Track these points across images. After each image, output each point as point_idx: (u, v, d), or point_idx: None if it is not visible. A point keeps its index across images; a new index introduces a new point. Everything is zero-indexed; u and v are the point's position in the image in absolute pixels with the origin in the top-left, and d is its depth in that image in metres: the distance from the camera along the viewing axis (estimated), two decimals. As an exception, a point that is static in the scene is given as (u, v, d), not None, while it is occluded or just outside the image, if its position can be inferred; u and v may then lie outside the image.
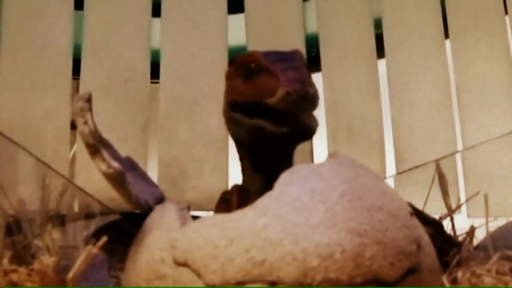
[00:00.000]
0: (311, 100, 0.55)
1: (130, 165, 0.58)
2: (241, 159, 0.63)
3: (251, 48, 1.06)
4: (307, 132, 0.56)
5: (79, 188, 0.83)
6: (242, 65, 0.58)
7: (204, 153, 0.99)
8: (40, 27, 0.99)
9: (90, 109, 0.52)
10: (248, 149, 0.60)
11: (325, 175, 0.48)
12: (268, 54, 0.58)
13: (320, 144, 1.06)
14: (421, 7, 1.08)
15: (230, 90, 0.60)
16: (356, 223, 0.44)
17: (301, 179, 0.48)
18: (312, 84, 0.55)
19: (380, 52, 1.09)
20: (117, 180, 0.51)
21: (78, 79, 0.99)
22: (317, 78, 1.07)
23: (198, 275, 0.44)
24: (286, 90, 0.53)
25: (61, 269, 0.50)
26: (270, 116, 0.55)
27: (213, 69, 1.04)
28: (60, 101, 0.96)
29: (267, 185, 0.50)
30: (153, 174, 0.98)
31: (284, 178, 0.48)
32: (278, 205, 0.45)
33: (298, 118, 0.55)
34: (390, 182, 1.01)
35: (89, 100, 0.52)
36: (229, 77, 0.61)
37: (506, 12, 1.06)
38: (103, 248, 0.51)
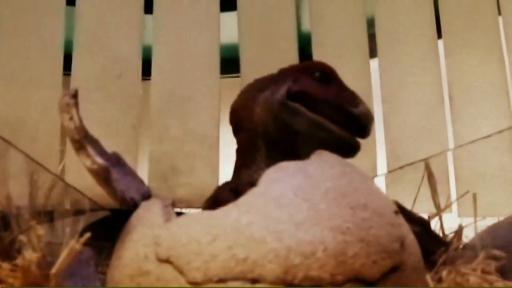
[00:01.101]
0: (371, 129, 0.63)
1: (116, 161, 0.57)
2: (254, 151, 0.63)
3: (243, 45, 1.06)
4: (356, 150, 0.63)
5: (69, 185, 0.83)
6: (318, 68, 0.63)
7: (195, 150, 0.99)
8: (31, 22, 0.99)
9: (76, 105, 0.52)
10: (277, 141, 0.62)
11: (310, 172, 0.48)
12: None
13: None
14: (414, 7, 1.09)
15: (299, 82, 0.62)
16: (340, 221, 0.44)
17: (286, 176, 0.48)
18: None
19: (373, 51, 1.10)
20: (101, 176, 0.51)
21: (69, 75, 0.99)
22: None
23: (181, 271, 0.43)
24: (367, 109, 0.62)
25: (47, 265, 0.49)
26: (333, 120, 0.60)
27: (205, 66, 1.04)
28: (51, 97, 0.96)
29: None
30: (144, 170, 0.98)
31: (269, 174, 0.48)
32: (262, 202, 0.45)
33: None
34: (381, 181, 1.01)
35: (75, 96, 0.52)
36: (295, 71, 0.64)
37: (499, 13, 1.06)
38: (92, 244, 0.51)
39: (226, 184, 0.65)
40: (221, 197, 0.62)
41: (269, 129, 0.62)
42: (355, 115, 0.60)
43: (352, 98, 0.61)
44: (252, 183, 0.60)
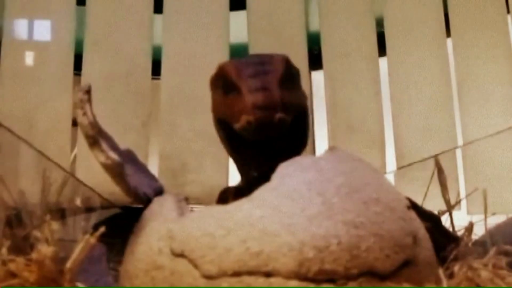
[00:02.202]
0: (276, 127, 0.51)
1: (129, 157, 0.58)
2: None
3: (252, 45, 1.07)
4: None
5: (80, 181, 0.84)
6: (218, 77, 0.57)
7: (204, 148, 1.00)
8: (42, 22, 1.00)
9: (89, 101, 0.52)
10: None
11: (323, 167, 0.48)
12: (245, 65, 0.54)
13: (321, 140, 1.06)
14: (422, 6, 1.09)
15: (212, 101, 0.59)
16: (353, 215, 0.44)
17: (298, 171, 0.48)
18: (281, 107, 0.51)
19: (382, 50, 1.10)
20: (115, 171, 0.51)
21: (80, 75, 1.00)
22: (318, 76, 1.07)
23: (195, 265, 0.44)
24: (248, 119, 0.50)
25: (60, 261, 0.50)
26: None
27: (214, 65, 1.04)
28: (62, 96, 0.97)
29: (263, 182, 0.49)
30: (153, 168, 0.98)
31: (282, 169, 0.48)
32: (275, 196, 0.45)
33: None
34: (390, 178, 1.01)
35: (88, 91, 0.52)
36: (212, 86, 0.59)
37: (508, 11, 1.06)
38: (102, 241, 0.51)
39: (222, 193, 0.65)
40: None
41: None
42: (238, 131, 0.53)
43: (240, 107, 0.51)
44: (239, 192, 0.59)
